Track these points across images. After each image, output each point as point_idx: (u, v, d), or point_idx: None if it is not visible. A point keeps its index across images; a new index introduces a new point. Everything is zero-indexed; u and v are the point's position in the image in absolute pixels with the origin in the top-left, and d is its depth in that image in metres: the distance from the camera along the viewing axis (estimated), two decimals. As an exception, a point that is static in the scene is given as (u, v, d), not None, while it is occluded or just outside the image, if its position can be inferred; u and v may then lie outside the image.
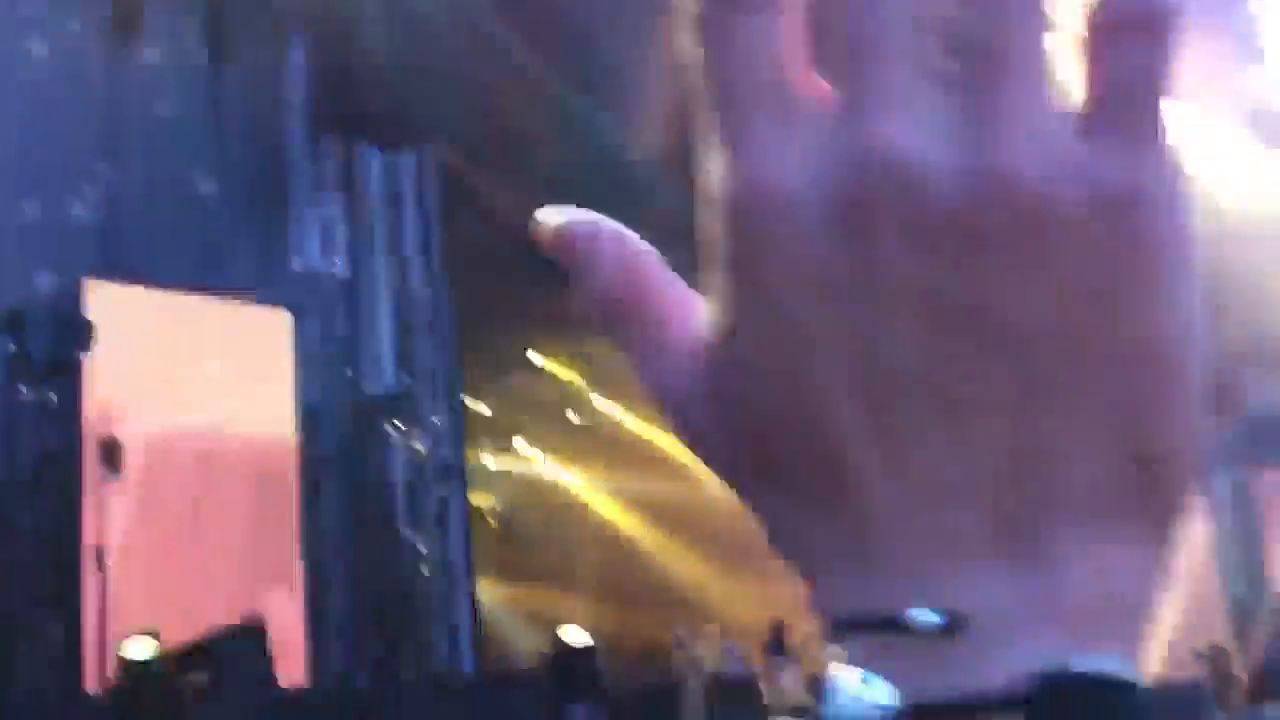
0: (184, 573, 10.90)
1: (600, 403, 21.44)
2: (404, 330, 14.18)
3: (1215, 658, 14.70)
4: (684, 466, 21.42)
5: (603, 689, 11.67)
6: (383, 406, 13.67)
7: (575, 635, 11.88)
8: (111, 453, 10.39)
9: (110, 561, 9.76)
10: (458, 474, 13.73)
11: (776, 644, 15.63)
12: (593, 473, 21.29)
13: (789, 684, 15.39)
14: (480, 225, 17.22)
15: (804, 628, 16.29)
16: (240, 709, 9.40)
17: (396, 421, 13.63)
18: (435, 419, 14.15)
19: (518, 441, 20.93)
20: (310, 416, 12.90)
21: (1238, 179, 18.93)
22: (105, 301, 11.13)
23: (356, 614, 12.06)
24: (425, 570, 12.87)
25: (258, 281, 12.78)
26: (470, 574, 13.15)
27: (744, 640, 16.74)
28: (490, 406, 20.02)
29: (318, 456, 12.85)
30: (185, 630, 9.36)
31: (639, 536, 20.77)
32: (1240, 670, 14.23)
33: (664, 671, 16.51)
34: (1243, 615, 16.17)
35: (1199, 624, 15.84)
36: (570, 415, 21.51)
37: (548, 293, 20.36)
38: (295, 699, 9.99)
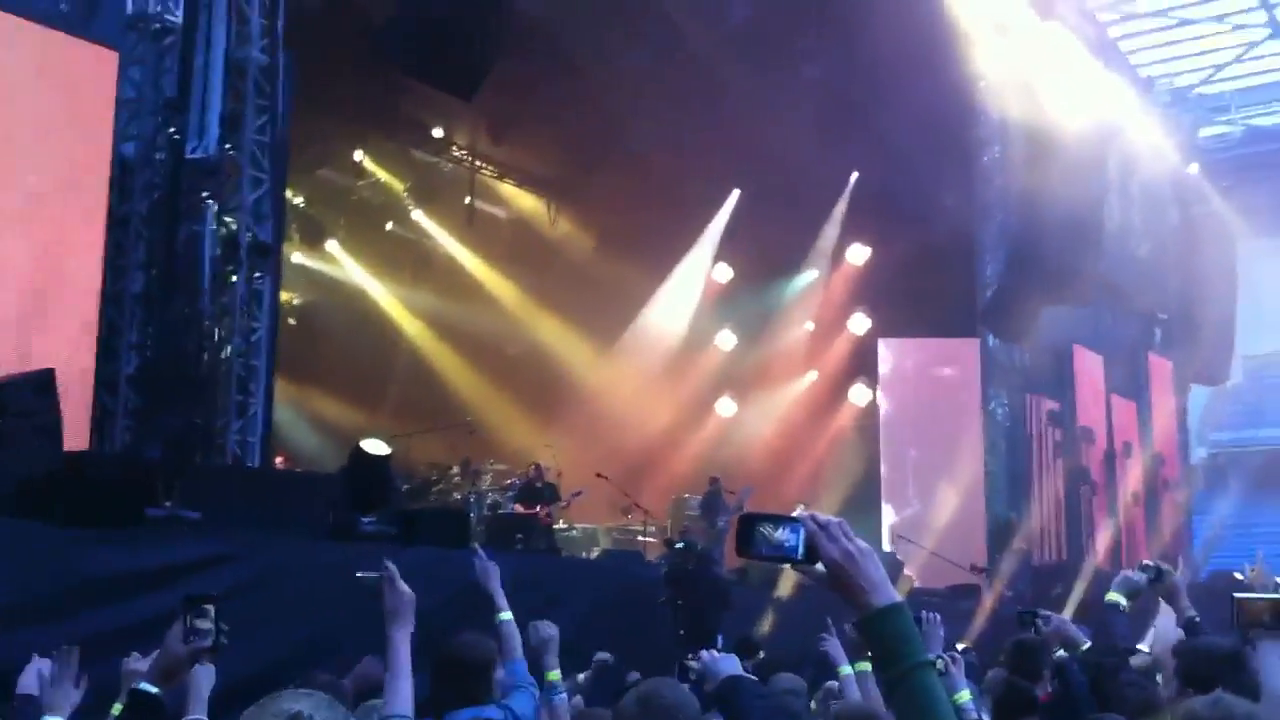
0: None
1: (420, 217, 20.85)
2: (234, 96, 13.31)
3: (983, 571, 16.00)
4: (495, 300, 21.18)
5: (395, 503, 11.55)
6: (201, 174, 12.88)
7: (373, 445, 11.66)
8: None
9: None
10: (272, 259, 13.10)
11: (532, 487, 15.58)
12: (402, 288, 20.73)
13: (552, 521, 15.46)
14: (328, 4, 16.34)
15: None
16: (19, 457, 8.90)
17: (213, 193, 12.89)
18: (254, 197, 13.45)
19: (330, 243, 20.13)
20: (124, 172, 12.18)
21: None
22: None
23: (148, 387, 11.49)
24: (225, 354, 12.35)
25: (86, 16, 11.89)
26: (272, 366, 12.67)
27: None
28: (306, 199, 19.20)
29: (127, 215, 12.13)
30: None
31: (439, 358, 20.43)
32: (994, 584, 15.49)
33: (444, 495, 16.52)
34: (1001, 534, 17.27)
35: (967, 539, 16.91)
36: (389, 225, 20.84)
37: (386, 92, 19.59)
38: (76, 460, 9.48)
